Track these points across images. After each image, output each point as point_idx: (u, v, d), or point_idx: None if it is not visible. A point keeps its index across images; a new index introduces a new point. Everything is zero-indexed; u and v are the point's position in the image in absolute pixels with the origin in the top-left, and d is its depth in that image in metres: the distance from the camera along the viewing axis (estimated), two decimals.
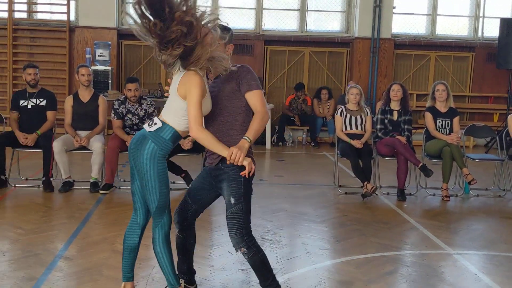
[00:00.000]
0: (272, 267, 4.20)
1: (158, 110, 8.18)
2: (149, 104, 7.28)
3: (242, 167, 3.54)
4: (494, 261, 5.05)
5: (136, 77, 8.87)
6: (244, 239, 3.59)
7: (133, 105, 7.19)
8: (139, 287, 4.17)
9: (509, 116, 7.73)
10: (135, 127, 7.19)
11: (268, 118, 3.77)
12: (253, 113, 3.70)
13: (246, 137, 3.59)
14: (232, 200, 3.63)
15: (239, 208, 3.62)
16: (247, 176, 3.56)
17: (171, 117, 3.56)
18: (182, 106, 3.49)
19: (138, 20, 3.35)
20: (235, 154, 3.45)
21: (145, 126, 3.60)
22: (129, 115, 7.18)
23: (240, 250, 3.62)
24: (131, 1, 12.47)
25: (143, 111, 7.22)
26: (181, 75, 3.49)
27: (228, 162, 3.50)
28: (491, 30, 12.82)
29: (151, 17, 3.28)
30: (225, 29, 3.68)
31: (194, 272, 4.04)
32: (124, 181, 7.61)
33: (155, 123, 3.56)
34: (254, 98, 3.65)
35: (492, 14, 12.86)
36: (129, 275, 3.84)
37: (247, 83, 3.63)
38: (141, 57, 12.52)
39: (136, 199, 3.73)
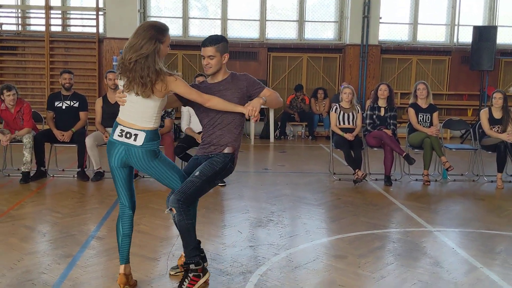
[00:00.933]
0: (275, 243, 4.19)
1: (176, 110, 8.19)
2: None
3: (227, 158, 3.68)
4: (470, 237, 5.02)
5: None
6: (179, 203, 3.49)
7: None
8: (161, 262, 4.18)
9: (481, 111, 7.69)
10: None
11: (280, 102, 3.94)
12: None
13: (262, 98, 3.69)
14: (197, 173, 3.61)
15: (195, 181, 3.56)
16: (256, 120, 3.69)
17: (142, 121, 3.48)
18: (150, 105, 3.45)
19: None
20: (252, 110, 3.58)
21: (126, 140, 3.48)
22: None
23: (171, 210, 3.53)
24: (152, 15, 12.49)
25: (164, 111, 7.19)
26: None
27: (247, 117, 3.63)
28: (465, 37, 12.71)
29: None
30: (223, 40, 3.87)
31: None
32: None
33: (136, 134, 3.47)
34: (267, 92, 3.81)
35: (466, 23, 12.76)
36: (128, 258, 3.74)
37: (258, 88, 3.78)
38: None
39: (119, 190, 3.73)
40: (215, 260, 4.23)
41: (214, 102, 3.61)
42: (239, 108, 3.62)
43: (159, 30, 3.47)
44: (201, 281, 3.61)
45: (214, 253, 4.41)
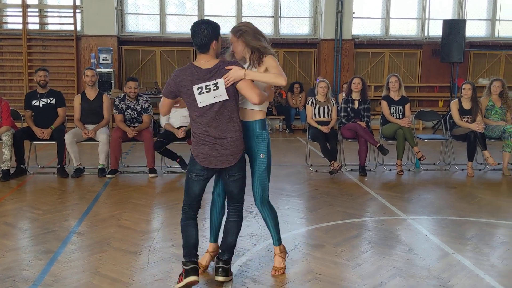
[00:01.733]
0: (255, 234, 4.20)
1: (153, 105, 8.15)
2: (145, 100, 7.23)
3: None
4: (442, 224, 5.09)
5: (135, 77, 8.79)
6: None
7: (131, 101, 7.13)
8: (142, 256, 4.15)
9: (452, 102, 7.79)
10: (135, 120, 7.14)
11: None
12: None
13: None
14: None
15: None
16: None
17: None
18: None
19: None
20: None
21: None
22: (129, 110, 7.13)
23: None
24: (129, 12, 12.35)
25: (140, 106, 7.16)
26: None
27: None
28: (436, 30, 12.85)
29: None
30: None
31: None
32: (128, 166, 7.56)
33: None
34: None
35: (436, 16, 12.90)
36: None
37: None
38: (139, 60, 12.38)
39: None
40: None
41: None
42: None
43: None
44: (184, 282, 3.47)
45: None
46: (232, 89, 3.48)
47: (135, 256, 4.13)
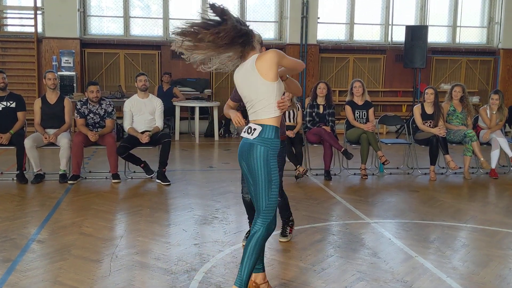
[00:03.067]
0: (220, 240, 4.17)
1: (117, 109, 8.02)
2: (108, 104, 7.10)
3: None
4: (405, 227, 5.17)
5: (96, 80, 8.63)
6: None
7: (94, 105, 7.00)
8: (104, 264, 4.07)
9: (414, 107, 7.93)
10: (97, 125, 7.01)
11: None
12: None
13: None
14: None
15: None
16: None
17: (265, 115, 3.27)
18: (270, 89, 3.22)
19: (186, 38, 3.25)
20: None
21: (245, 135, 3.28)
22: (91, 115, 6.98)
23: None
24: (92, 14, 12.15)
25: (103, 111, 7.03)
26: (249, 64, 3.26)
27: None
28: (399, 36, 13.06)
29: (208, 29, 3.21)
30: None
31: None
32: (90, 172, 7.42)
33: (255, 129, 3.26)
34: None
35: (399, 22, 13.12)
36: (259, 267, 3.55)
37: None
38: (102, 63, 12.16)
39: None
40: (160, 260, 4.16)
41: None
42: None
43: None
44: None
45: (158, 252, 4.34)
46: None
47: (96, 264, 4.05)
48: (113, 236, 4.80)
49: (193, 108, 11.15)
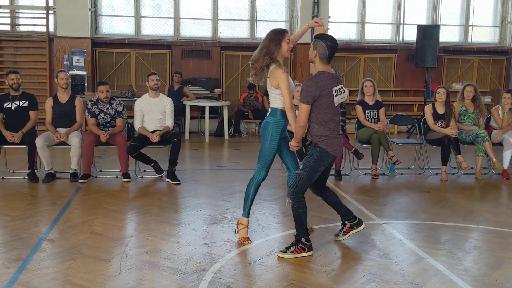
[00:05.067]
0: (230, 240, 4.17)
1: (128, 108, 8.04)
2: (119, 104, 7.11)
3: (318, 148, 4.26)
4: (416, 229, 5.13)
5: (106, 80, 8.64)
6: (294, 194, 4.24)
7: (104, 105, 7.02)
8: (114, 263, 4.07)
9: (426, 106, 7.87)
10: (108, 124, 7.02)
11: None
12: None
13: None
14: (301, 166, 4.32)
15: (301, 173, 4.26)
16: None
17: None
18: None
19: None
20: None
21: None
22: (102, 114, 7.00)
23: (288, 199, 4.32)
24: (104, 14, 12.19)
25: (114, 110, 7.04)
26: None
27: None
28: (410, 35, 12.98)
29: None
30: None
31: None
32: (101, 171, 7.44)
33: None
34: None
35: (410, 22, 13.04)
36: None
37: None
38: (113, 62, 12.21)
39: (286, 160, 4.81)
40: (169, 259, 4.16)
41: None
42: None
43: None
44: (304, 254, 4.28)
45: (168, 252, 4.33)
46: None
47: (106, 264, 4.05)
48: (123, 235, 4.80)
49: (203, 107, 11.16)
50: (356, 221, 4.65)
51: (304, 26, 4.74)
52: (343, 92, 4.29)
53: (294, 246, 4.30)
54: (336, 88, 4.21)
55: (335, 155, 4.32)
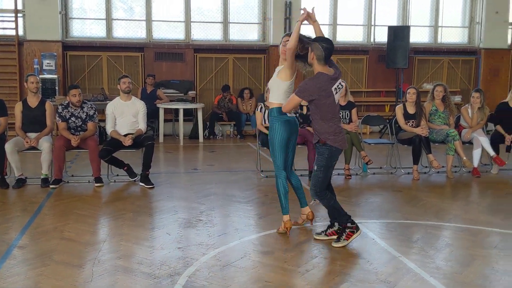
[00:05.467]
0: (204, 243, 4.14)
1: (100, 112, 7.93)
2: (90, 107, 7.00)
3: (326, 146, 4.49)
4: (389, 228, 5.17)
5: (77, 84, 8.53)
6: (317, 194, 4.53)
7: (75, 109, 6.91)
8: (86, 269, 4.00)
9: (397, 107, 7.96)
10: (79, 128, 6.92)
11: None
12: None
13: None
14: (315, 167, 4.54)
15: (317, 174, 4.50)
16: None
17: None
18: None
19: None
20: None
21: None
22: (73, 118, 6.89)
23: (315, 200, 4.66)
24: (74, 16, 12.02)
25: (85, 114, 6.94)
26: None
27: None
28: (381, 36, 13.13)
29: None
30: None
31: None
32: (72, 175, 7.33)
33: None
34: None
35: (381, 23, 13.18)
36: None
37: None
38: (85, 66, 12.04)
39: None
40: (143, 264, 4.11)
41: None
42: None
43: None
44: (355, 236, 4.55)
45: (141, 256, 4.28)
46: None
47: (78, 270, 3.99)
48: (96, 240, 4.73)
49: (177, 110, 11.10)
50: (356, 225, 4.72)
51: (297, 24, 4.72)
52: (342, 87, 4.55)
53: (344, 234, 4.55)
54: (335, 86, 4.44)
55: (342, 148, 4.56)
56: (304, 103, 7.52)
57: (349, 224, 4.57)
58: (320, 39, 4.51)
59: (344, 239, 4.53)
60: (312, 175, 4.64)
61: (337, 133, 4.50)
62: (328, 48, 4.40)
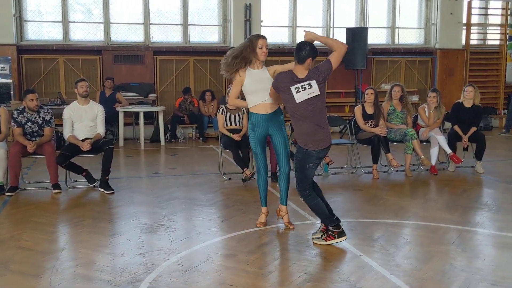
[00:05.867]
0: (166, 248, 4.09)
1: (57, 117, 7.74)
2: (46, 112, 6.82)
3: (300, 147, 4.64)
4: (350, 226, 5.22)
5: (33, 88, 8.33)
6: (302, 194, 4.68)
7: (32, 114, 6.72)
8: (44, 279, 3.89)
9: (355, 107, 8.08)
10: (36, 134, 6.73)
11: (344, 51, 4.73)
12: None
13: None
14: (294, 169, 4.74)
15: (296, 176, 4.68)
16: None
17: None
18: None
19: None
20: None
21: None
22: (29, 123, 6.70)
23: (301, 199, 4.78)
24: (29, 19, 11.71)
25: (41, 119, 6.75)
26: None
27: None
28: (340, 38, 13.25)
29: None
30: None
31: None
32: (29, 182, 7.13)
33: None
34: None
35: (340, 25, 13.34)
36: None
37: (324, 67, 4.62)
38: (41, 69, 11.73)
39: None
40: (103, 272, 4.03)
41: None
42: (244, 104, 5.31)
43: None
44: (336, 240, 4.57)
45: (102, 264, 4.20)
46: (322, 88, 4.55)
47: (36, 279, 3.87)
48: (54, 249, 4.61)
49: (137, 113, 10.95)
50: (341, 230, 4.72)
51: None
52: (309, 88, 4.50)
53: (324, 234, 4.63)
54: (297, 86, 4.49)
55: (316, 149, 4.57)
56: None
57: (330, 227, 4.61)
58: (299, 43, 4.65)
59: (323, 239, 4.62)
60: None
61: (308, 134, 4.54)
62: (296, 49, 4.59)
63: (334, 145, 8.26)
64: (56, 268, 4.10)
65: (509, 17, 14.12)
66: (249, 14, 12.39)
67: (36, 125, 6.72)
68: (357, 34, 12.39)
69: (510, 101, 12.85)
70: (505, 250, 4.53)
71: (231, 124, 7.51)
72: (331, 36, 13.36)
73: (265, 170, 5.21)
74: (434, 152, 7.89)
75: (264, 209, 5.29)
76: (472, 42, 14.27)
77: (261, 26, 12.61)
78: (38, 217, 5.54)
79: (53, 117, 6.88)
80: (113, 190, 6.65)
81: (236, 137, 7.29)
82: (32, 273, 4.00)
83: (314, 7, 13.36)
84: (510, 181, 7.35)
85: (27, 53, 11.58)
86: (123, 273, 4.00)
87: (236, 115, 7.53)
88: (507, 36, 14.13)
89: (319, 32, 13.54)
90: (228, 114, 7.52)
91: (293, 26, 13.21)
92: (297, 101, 4.52)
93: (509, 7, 14.11)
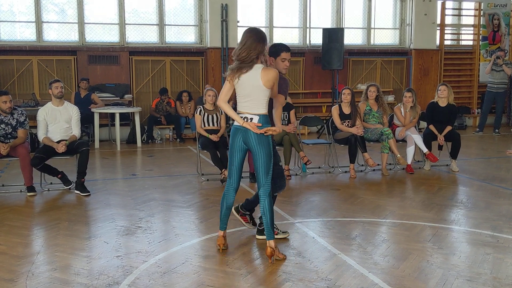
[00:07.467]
0: (144, 250, 4.04)
1: (31, 118, 7.61)
2: (20, 114, 6.70)
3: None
4: (328, 226, 5.27)
5: (6, 90, 8.20)
6: None
7: (5, 116, 6.60)
8: (19, 283, 3.83)
9: (332, 107, 8.13)
10: (9, 136, 6.60)
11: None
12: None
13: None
14: None
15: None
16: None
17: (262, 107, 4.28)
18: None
19: None
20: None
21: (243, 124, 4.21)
22: (2, 125, 6.57)
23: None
24: (2, 20, 11.50)
25: (15, 121, 6.63)
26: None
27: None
28: (316, 39, 13.37)
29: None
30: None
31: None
32: (3, 185, 6.99)
33: (251, 119, 4.23)
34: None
35: (316, 25, 13.43)
36: (224, 226, 4.55)
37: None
38: (14, 70, 11.53)
39: (233, 170, 4.43)
40: (80, 275, 3.98)
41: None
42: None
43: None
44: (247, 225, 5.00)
45: (78, 267, 4.14)
46: None
47: (10, 284, 3.80)
48: (29, 253, 4.53)
49: (113, 114, 10.83)
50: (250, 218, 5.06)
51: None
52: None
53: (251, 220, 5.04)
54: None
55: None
56: None
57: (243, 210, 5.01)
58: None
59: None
60: None
61: None
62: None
63: (311, 145, 8.43)
64: (32, 272, 4.03)
65: (481, 18, 14.38)
66: (226, 15, 12.37)
67: (9, 127, 6.60)
68: (333, 35, 12.47)
69: (484, 100, 13.09)
70: (480, 247, 4.62)
71: (209, 125, 7.50)
72: (307, 36, 13.46)
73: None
74: (410, 151, 7.99)
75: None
76: (446, 42, 14.50)
77: (238, 26, 12.60)
78: (13, 221, 5.45)
79: (27, 119, 6.76)
80: (89, 192, 6.57)
81: (214, 137, 7.27)
82: (7, 277, 3.93)
83: (290, 8, 13.41)
84: (484, 179, 7.49)
85: (0, 53, 11.36)
86: (101, 276, 3.96)
87: (214, 115, 7.52)
88: (480, 36, 14.39)
89: (296, 32, 13.61)
90: (206, 114, 7.50)
91: (270, 27, 13.23)
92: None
93: (481, 8, 14.38)
